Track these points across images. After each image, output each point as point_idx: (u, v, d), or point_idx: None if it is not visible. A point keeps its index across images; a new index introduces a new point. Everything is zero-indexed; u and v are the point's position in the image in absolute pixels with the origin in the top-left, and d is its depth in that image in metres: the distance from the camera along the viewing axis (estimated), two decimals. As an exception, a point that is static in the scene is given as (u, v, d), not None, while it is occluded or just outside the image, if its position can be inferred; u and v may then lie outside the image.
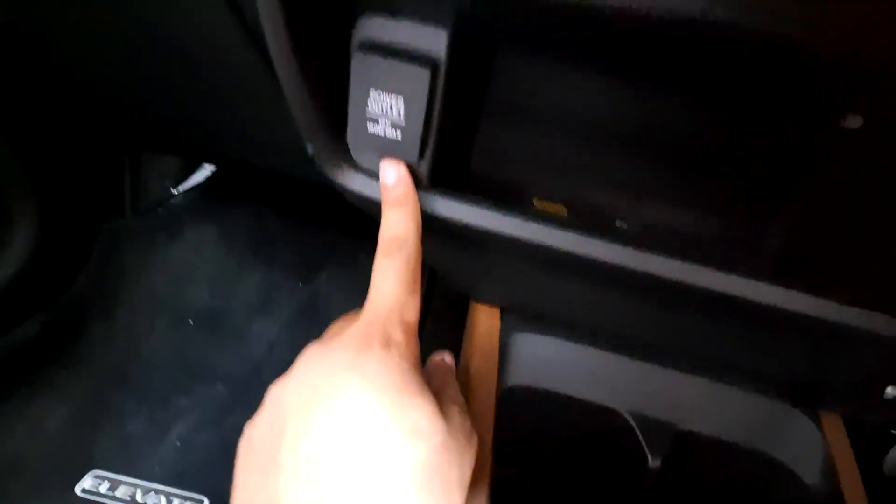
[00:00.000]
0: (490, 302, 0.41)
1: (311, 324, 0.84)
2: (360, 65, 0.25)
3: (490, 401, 0.34)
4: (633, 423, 0.38)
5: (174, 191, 0.98)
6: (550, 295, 0.35)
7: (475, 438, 0.25)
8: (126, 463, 0.66)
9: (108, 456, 0.67)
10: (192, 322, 0.81)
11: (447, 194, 0.28)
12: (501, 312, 0.40)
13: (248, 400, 0.73)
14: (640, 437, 0.37)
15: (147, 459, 0.67)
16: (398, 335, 0.23)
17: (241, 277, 0.86)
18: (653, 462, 0.36)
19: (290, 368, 0.24)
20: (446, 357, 0.31)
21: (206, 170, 1.00)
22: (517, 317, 0.39)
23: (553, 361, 0.39)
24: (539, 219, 0.28)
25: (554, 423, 0.40)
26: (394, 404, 0.21)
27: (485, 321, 0.39)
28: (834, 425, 0.37)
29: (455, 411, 0.24)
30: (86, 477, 0.65)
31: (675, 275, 0.28)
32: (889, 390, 0.32)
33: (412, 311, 0.25)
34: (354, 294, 0.85)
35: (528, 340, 0.39)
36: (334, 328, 0.28)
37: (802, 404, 0.38)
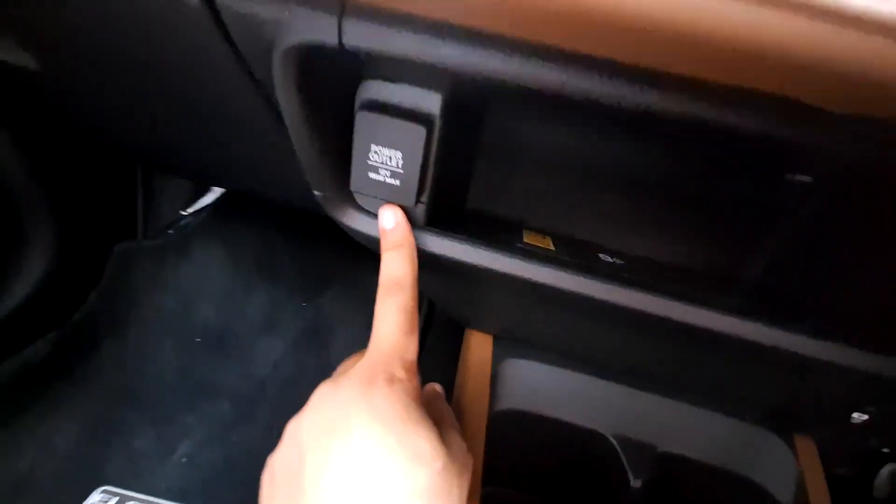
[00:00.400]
0: (482, 329, 0.43)
1: (314, 343, 0.86)
2: (363, 122, 0.28)
3: (481, 423, 0.36)
4: (616, 444, 0.40)
5: (184, 212, 1.01)
6: (538, 324, 0.38)
7: (471, 460, 0.27)
8: (134, 479, 0.68)
9: (117, 472, 0.69)
10: (199, 340, 0.83)
11: (440, 233, 0.31)
12: (494, 339, 0.43)
13: (252, 417, 0.75)
14: (623, 458, 0.39)
15: (154, 476, 0.69)
16: (400, 373, 0.26)
17: (248, 297, 0.89)
18: (634, 482, 0.38)
19: (305, 405, 0.27)
20: (436, 386, 0.34)
21: (215, 192, 1.04)
22: (509, 343, 0.42)
23: (542, 386, 0.41)
24: (523, 255, 0.31)
25: (543, 445, 0.43)
26: (399, 435, 0.24)
27: (478, 347, 0.41)
28: (807, 448, 0.40)
29: (453, 436, 0.27)
30: (94, 493, 0.67)
31: (652, 308, 0.30)
32: (855, 416, 0.34)
33: (411, 351, 0.27)
34: (357, 314, 0.88)
35: (519, 366, 0.41)
36: (342, 367, 0.30)
37: (777, 429, 0.40)
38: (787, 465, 0.39)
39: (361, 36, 0.22)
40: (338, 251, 0.97)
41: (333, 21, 0.22)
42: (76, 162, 0.82)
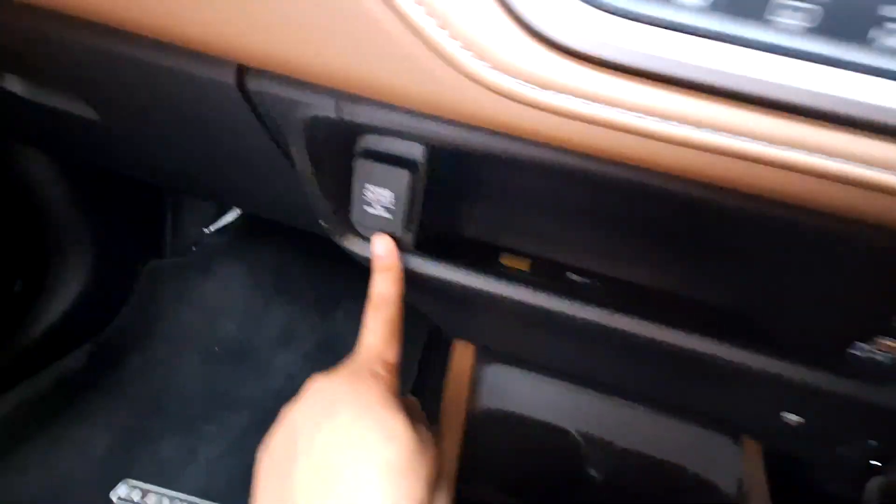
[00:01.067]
0: (464, 339, 0.49)
1: (329, 356, 0.91)
2: (359, 167, 0.34)
3: (459, 419, 0.41)
4: (580, 440, 0.45)
5: (207, 230, 1.08)
6: (514, 336, 0.43)
7: (434, 448, 0.32)
8: (160, 482, 0.74)
9: (144, 476, 0.75)
10: (218, 350, 0.90)
11: (425, 256, 0.37)
12: (476, 348, 0.48)
13: (269, 427, 0.81)
14: (584, 452, 0.44)
15: (178, 480, 0.75)
16: (382, 371, 0.32)
17: (266, 313, 0.95)
18: (596, 474, 0.43)
19: (299, 393, 0.32)
20: (410, 397, 0.39)
21: (236, 210, 1.11)
22: (489, 351, 0.47)
23: (518, 389, 0.46)
24: (498, 275, 0.37)
25: (517, 440, 0.48)
26: (377, 417, 0.29)
27: (461, 355, 0.47)
28: (753, 449, 0.44)
29: (421, 426, 0.32)
30: (120, 485, 0.73)
31: (609, 322, 0.35)
32: (787, 418, 0.39)
33: (392, 355, 0.33)
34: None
35: (499, 370, 0.47)
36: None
37: (724, 430, 0.45)
38: (734, 463, 0.43)
39: (355, 112, 0.29)
40: (348, 270, 1.04)
41: (332, 102, 0.29)
42: (111, 187, 0.90)
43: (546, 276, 0.39)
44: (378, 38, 0.23)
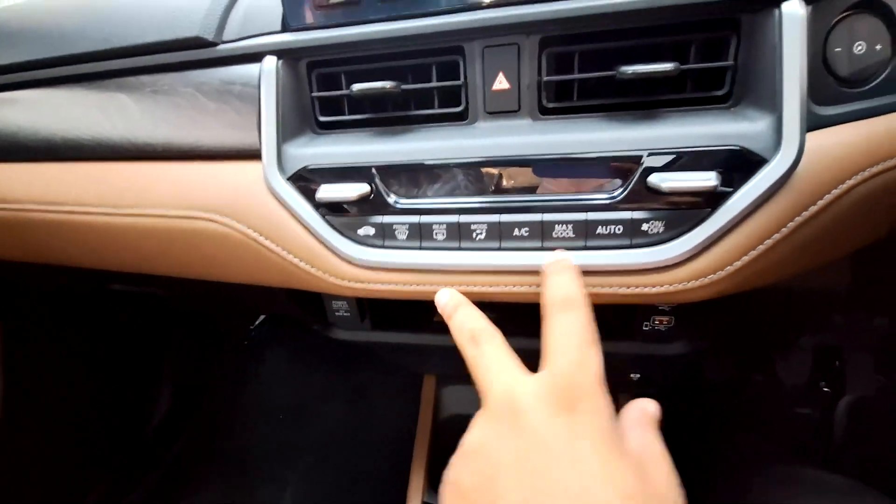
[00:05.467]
0: (426, 372, 0.70)
1: (362, 401, 1.13)
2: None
3: (426, 429, 0.62)
4: None
5: (251, 327, 1.35)
6: (452, 364, 0.65)
7: (679, 495, 0.24)
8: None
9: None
10: (282, 417, 1.13)
11: (381, 331, 0.59)
12: (436, 376, 0.70)
13: (330, 461, 1.03)
14: None
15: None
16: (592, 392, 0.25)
17: (309, 377, 1.19)
18: None
19: (471, 425, 0.27)
20: (649, 406, 0.30)
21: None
22: (445, 377, 0.68)
23: (469, 398, 0.67)
24: (432, 331, 0.58)
25: None
26: (605, 467, 0.22)
27: (427, 381, 0.68)
28: (624, 401, 0.63)
29: (659, 468, 0.24)
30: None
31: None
32: (632, 376, 0.58)
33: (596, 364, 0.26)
34: (389, 379, 1.14)
35: (454, 388, 0.68)
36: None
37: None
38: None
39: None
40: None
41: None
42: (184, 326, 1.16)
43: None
44: (268, 264, 0.45)
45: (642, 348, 0.55)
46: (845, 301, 0.51)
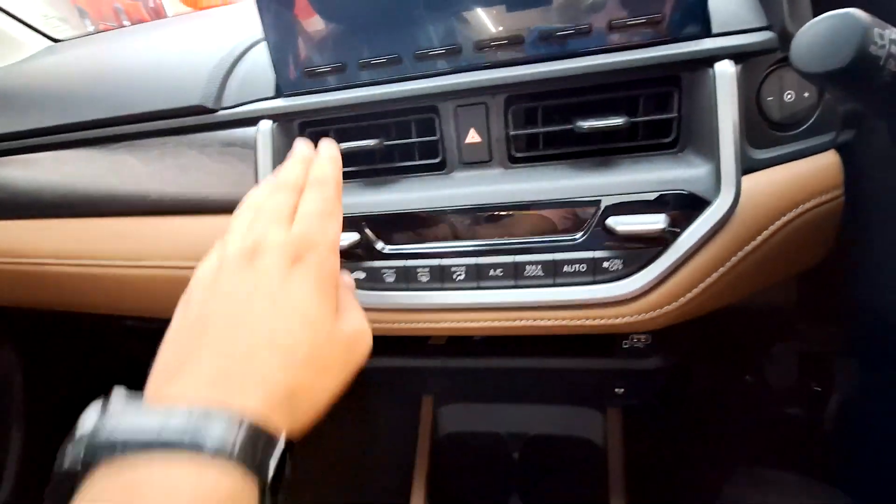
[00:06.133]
0: (425, 393, 0.73)
1: (363, 423, 1.16)
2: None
3: (425, 449, 0.66)
4: (503, 435, 0.68)
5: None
6: (445, 383, 0.68)
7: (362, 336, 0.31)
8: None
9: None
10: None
11: (378, 354, 0.63)
12: (433, 396, 0.73)
13: (335, 483, 1.06)
14: (506, 442, 0.67)
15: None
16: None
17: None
18: (517, 455, 0.66)
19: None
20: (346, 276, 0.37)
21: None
22: (443, 397, 0.72)
23: (462, 415, 0.71)
24: (426, 354, 0.61)
25: (467, 445, 0.72)
26: (305, 302, 0.28)
27: (426, 402, 0.72)
28: (614, 414, 0.67)
29: (351, 314, 0.31)
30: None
31: (493, 365, 0.60)
32: (617, 390, 0.62)
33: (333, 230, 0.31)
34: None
35: (450, 407, 0.71)
36: None
37: (593, 406, 0.67)
38: (600, 424, 0.66)
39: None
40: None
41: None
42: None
43: (457, 343, 0.63)
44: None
45: (623, 364, 0.59)
46: (797, 313, 0.55)
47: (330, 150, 0.36)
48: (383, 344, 0.63)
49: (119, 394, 0.25)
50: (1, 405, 0.83)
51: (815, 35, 0.25)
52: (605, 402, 0.68)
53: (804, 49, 0.25)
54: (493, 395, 0.69)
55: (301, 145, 0.36)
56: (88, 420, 0.23)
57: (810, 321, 0.57)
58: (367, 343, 0.32)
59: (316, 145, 0.36)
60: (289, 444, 0.25)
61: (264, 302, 0.28)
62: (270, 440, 0.24)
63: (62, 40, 0.87)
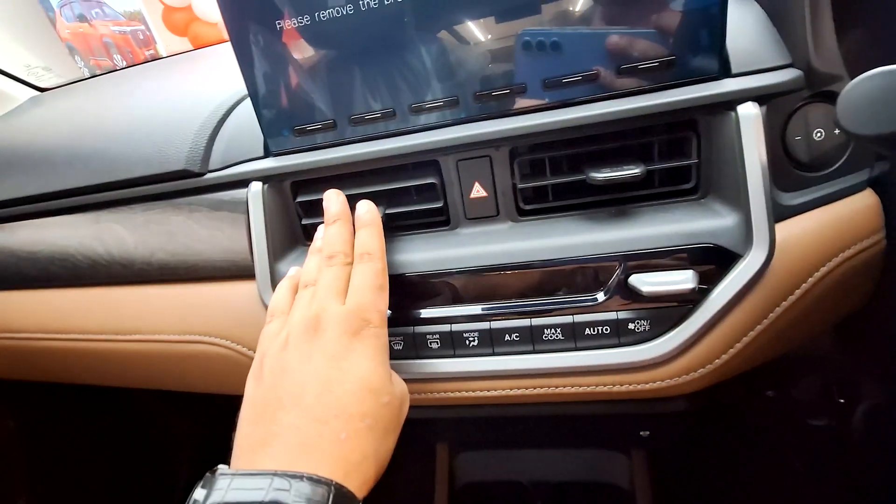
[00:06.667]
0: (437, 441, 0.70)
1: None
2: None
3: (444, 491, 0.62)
4: (525, 484, 0.65)
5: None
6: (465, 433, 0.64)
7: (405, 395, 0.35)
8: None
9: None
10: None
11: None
12: (448, 444, 0.70)
13: None
14: (528, 491, 0.64)
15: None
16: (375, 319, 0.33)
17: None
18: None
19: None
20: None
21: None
22: (458, 444, 0.69)
23: (481, 462, 0.67)
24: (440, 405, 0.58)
25: (488, 496, 0.68)
26: (368, 372, 0.31)
27: (442, 450, 0.68)
28: (639, 456, 0.63)
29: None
30: None
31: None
32: (642, 433, 0.58)
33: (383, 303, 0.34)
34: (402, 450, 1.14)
35: (467, 455, 0.68)
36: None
37: (617, 449, 0.64)
38: (628, 470, 0.63)
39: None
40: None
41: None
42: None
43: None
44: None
45: (645, 408, 0.55)
46: (828, 344, 0.52)
47: (370, 214, 0.38)
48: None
49: (224, 468, 0.27)
50: (3, 476, 0.79)
51: (864, 95, 0.22)
52: (630, 444, 0.64)
53: (852, 110, 0.22)
54: (510, 441, 0.66)
55: (334, 199, 0.39)
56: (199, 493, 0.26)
57: (840, 349, 0.54)
58: (408, 402, 0.36)
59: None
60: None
61: (332, 374, 0.30)
62: (353, 500, 0.27)
63: (48, 89, 0.85)
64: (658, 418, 0.56)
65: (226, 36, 0.40)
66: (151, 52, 2.81)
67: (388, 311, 0.40)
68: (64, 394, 0.84)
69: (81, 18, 2.49)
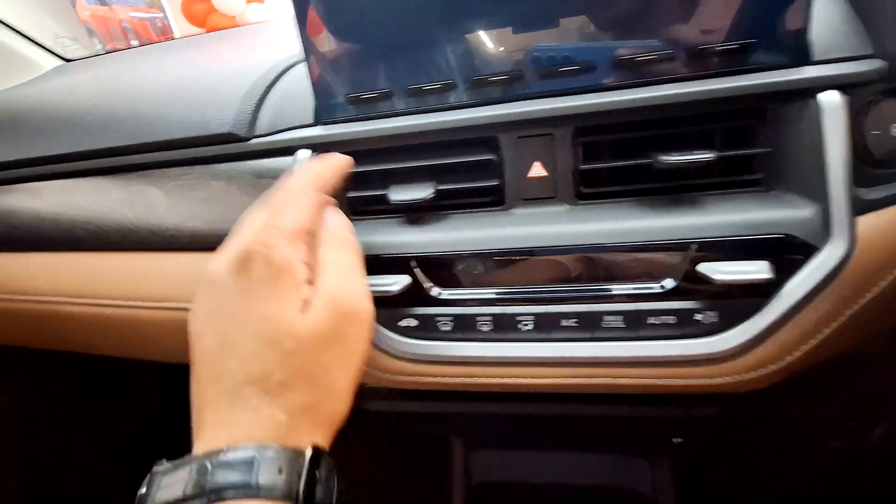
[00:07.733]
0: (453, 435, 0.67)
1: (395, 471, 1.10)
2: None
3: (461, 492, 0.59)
4: (541, 486, 0.62)
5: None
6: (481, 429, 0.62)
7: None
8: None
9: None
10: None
11: (408, 399, 0.57)
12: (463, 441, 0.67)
13: None
14: (545, 494, 0.61)
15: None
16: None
17: (336, 449, 1.15)
18: None
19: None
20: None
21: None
22: (474, 442, 0.66)
23: (499, 462, 0.65)
24: (458, 399, 0.56)
25: (502, 497, 0.65)
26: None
27: (457, 450, 0.66)
28: (663, 462, 0.61)
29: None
30: None
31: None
32: (675, 440, 0.56)
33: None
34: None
35: (481, 453, 0.65)
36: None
37: (640, 455, 0.61)
38: (651, 476, 0.60)
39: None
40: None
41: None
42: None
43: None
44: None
45: (679, 412, 0.53)
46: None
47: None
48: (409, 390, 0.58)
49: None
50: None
51: None
52: (659, 451, 0.62)
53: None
54: (527, 441, 0.63)
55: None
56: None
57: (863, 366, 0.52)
58: (364, 311, 0.30)
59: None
60: (323, 450, 0.27)
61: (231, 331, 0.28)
62: (296, 455, 0.25)
63: (73, 60, 0.83)
64: (692, 423, 0.54)
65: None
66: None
67: (440, 291, 0.38)
68: (66, 373, 0.80)
69: (102, 2, 2.48)
